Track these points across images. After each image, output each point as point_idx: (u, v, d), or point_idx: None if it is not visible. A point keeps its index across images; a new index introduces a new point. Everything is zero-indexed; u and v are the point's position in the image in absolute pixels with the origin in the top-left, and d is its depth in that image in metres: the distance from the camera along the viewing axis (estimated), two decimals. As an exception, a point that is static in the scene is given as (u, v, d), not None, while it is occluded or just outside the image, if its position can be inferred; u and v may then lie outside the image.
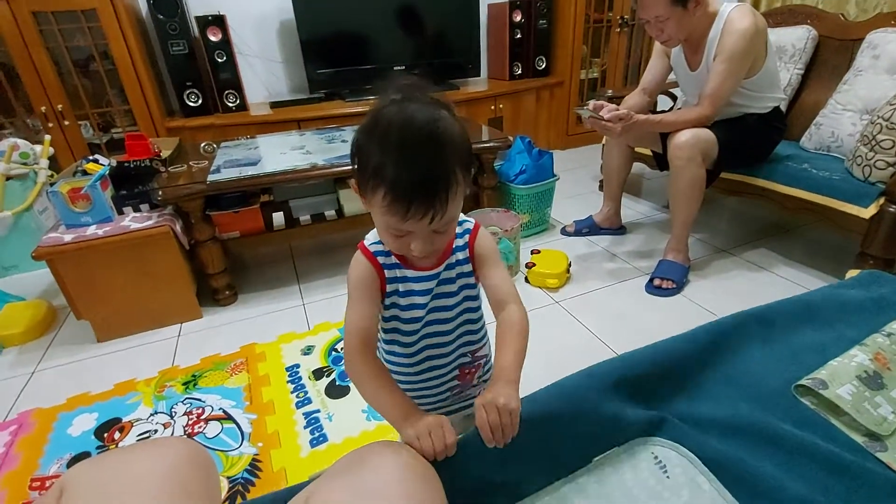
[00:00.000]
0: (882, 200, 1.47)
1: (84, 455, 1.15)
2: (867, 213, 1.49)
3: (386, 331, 0.74)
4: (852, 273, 1.11)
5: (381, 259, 0.68)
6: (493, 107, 2.94)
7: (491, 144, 1.90)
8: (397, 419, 0.62)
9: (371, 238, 0.69)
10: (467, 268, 0.71)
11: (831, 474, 0.60)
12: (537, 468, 0.61)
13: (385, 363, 0.77)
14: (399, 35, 2.80)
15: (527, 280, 1.78)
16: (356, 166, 0.58)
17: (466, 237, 0.71)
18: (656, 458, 0.58)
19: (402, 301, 0.69)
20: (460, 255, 0.71)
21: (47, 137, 1.98)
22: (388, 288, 0.69)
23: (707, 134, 1.60)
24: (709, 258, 1.90)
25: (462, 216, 0.70)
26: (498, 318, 0.72)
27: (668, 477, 0.56)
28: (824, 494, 0.57)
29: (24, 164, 1.93)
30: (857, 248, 1.56)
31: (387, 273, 0.68)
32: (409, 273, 0.68)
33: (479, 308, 0.77)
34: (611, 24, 3.17)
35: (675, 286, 1.67)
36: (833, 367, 0.73)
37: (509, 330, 0.69)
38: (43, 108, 2.14)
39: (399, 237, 0.59)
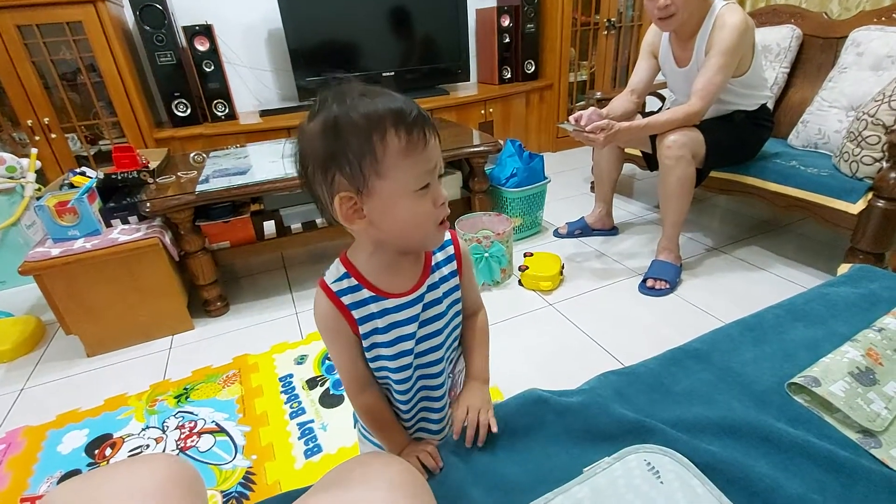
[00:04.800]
0: (870, 195, 1.48)
1: (74, 473, 1.13)
2: (856, 208, 1.50)
3: (375, 370, 0.66)
4: (843, 268, 1.11)
5: (346, 299, 0.60)
6: (483, 111, 2.94)
7: (481, 148, 1.90)
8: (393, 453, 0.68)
9: (332, 275, 0.61)
10: (454, 282, 0.67)
11: (827, 472, 0.59)
12: (528, 481, 0.60)
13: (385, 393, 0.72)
14: (388, 41, 2.80)
15: (520, 283, 1.78)
16: (338, 171, 0.52)
17: (449, 249, 0.67)
18: (649, 464, 0.58)
19: (385, 337, 0.62)
20: (446, 270, 0.66)
21: (34, 151, 1.96)
22: (363, 329, 0.61)
23: (696, 133, 1.60)
24: (701, 257, 1.90)
25: None
26: (470, 322, 0.75)
27: (661, 483, 0.55)
28: (820, 493, 0.57)
29: (11, 178, 1.91)
30: (848, 244, 1.57)
31: (357, 314, 0.61)
32: (389, 304, 0.61)
33: (461, 321, 0.73)
34: (598, 26, 3.19)
35: (668, 286, 1.67)
36: (825, 364, 0.73)
37: (482, 334, 0.75)
38: (29, 122, 2.13)
39: (425, 195, 0.54)
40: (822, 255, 1.84)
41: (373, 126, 0.50)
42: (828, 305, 0.91)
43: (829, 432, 0.65)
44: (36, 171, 1.97)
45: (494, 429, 0.66)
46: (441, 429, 0.75)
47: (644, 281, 1.71)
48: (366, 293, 0.61)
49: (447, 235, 0.66)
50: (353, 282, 0.61)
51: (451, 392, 0.74)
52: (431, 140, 0.53)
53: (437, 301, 0.65)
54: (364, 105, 0.51)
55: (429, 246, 0.63)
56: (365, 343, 0.63)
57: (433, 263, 0.65)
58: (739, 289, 1.68)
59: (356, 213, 0.54)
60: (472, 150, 1.88)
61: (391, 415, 0.70)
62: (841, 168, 1.60)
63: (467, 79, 3.07)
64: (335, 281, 0.61)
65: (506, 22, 2.96)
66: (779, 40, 2.06)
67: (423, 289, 0.63)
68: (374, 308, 0.61)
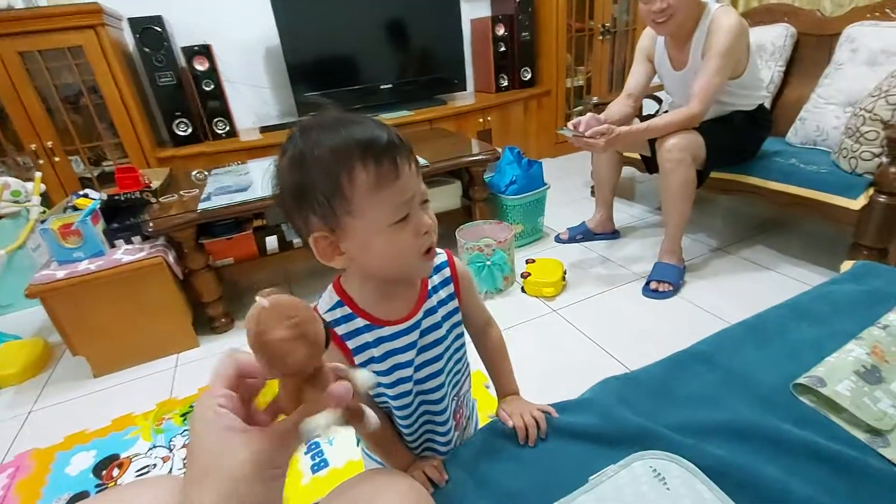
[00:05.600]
0: (871, 191, 1.48)
1: (83, 495, 1.13)
2: (857, 204, 1.49)
3: (374, 396, 0.65)
4: (846, 265, 1.10)
5: (340, 329, 0.58)
6: (481, 119, 2.96)
7: (480, 157, 1.91)
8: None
9: (325, 304, 0.60)
10: (453, 304, 0.66)
11: (835, 473, 0.59)
12: (533, 492, 0.60)
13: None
14: (384, 54, 2.83)
15: (523, 290, 1.78)
16: (310, 210, 0.50)
17: (445, 271, 0.65)
18: (654, 470, 0.57)
19: (382, 366, 0.61)
20: (443, 294, 0.65)
21: (38, 174, 1.99)
22: (359, 359, 0.60)
23: (695, 135, 1.61)
24: (705, 258, 1.90)
25: None
26: (483, 340, 0.75)
27: (668, 489, 0.55)
28: (829, 495, 0.56)
29: (16, 202, 1.93)
30: (850, 240, 1.56)
31: (351, 343, 0.59)
32: (385, 332, 0.59)
33: (464, 343, 0.71)
34: (593, 32, 3.21)
35: (671, 288, 1.67)
36: (830, 364, 0.73)
37: (500, 351, 0.75)
38: (33, 146, 2.15)
39: (404, 226, 0.51)
40: (825, 252, 1.83)
41: (339, 161, 0.48)
42: (831, 303, 0.90)
43: (837, 432, 0.65)
44: (40, 195, 1.99)
45: (543, 424, 0.69)
46: (448, 451, 0.73)
47: (647, 284, 1.70)
48: (360, 322, 0.59)
49: (439, 259, 0.64)
50: (347, 311, 0.59)
51: (456, 414, 0.73)
52: (405, 168, 0.50)
53: (437, 326, 0.63)
54: (330, 138, 0.48)
55: (414, 277, 0.61)
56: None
57: (430, 288, 0.63)
58: (744, 289, 1.67)
59: (334, 250, 0.53)
60: (470, 158, 1.89)
61: (393, 436, 0.69)
62: (840, 164, 1.60)
63: (464, 88, 3.09)
64: (328, 311, 0.59)
65: (500, 31, 2.99)
66: (773, 39, 2.07)
67: (420, 315, 0.61)
68: (368, 337, 0.59)
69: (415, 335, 0.61)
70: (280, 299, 0.33)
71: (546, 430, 0.69)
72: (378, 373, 0.61)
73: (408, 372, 0.62)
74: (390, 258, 0.53)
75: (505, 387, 0.76)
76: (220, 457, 0.32)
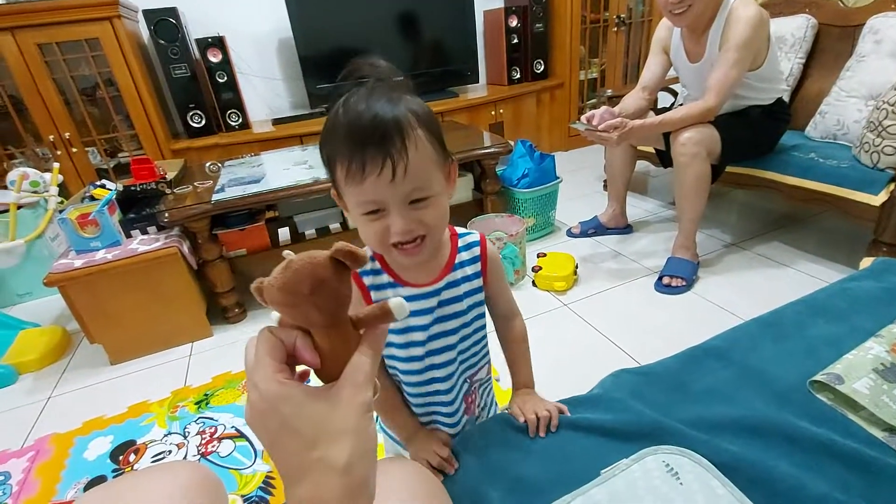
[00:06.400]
0: (892, 186, 1.45)
1: (100, 479, 1.16)
2: (877, 200, 1.46)
3: (384, 356, 0.68)
4: (866, 262, 1.08)
5: (367, 280, 0.63)
6: (493, 112, 2.94)
7: (492, 150, 1.90)
8: (403, 441, 0.71)
9: None
10: (478, 283, 0.67)
11: (851, 471, 0.58)
12: (545, 483, 0.60)
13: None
14: (396, 46, 2.82)
15: (534, 284, 1.77)
16: (328, 168, 0.56)
17: (475, 249, 0.67)
18: (667, 465, 0.57)
19: (395, 325, 0.63)
20: (469, 270, 0.66)
21: (56, 165, 2.01)
22: None
23: (710, 129, 1.58)
24: (719, 254, 1.87)
25: (465, 230, 0.69)
26: (505, 331, 0.76)
27: (681, 484, 0.55)
28: (844, 492, 0.56)
29: (35, 192, 1.96)
30: (870, 236, 1.53)
31: (374, 294, 0.63)
32: (405, 291, 0.62)
33: (485, 326, 0.73)
34: (608, 23, 3.17)
35: (684, 283, 1.65)
36: (848, 361, 0.72)
37: (521, 343, 0.76)
38: (51, 137, 2.19)
39: (375, 220, 0.53)
40: (843, 248, 1.80)
41: (332, 142, 0.52)
42: (850, 300, 0.89)
43: (854, 430, 0.64)
44: (58, 185, 2.03)
45: (555, 420, 0.69)
46: (455, 433, 0.74)
47: (660, 279, 1.69)
48: (385, 278, 0.63)
49: (471, 238, 0.67)
50: (377, 266, 0.63)
51: (468, 398, 0.74)
52: (373, 175, 0.49)
53: (456, 299, 0.65)
54: (345, 114, 0.51)
55: (395, 261, 0.62)
56: None
57: (456, 262, 0.66)
58: (759, 285, 1.65)
59: (345, 208, 0.58)
60: (482, 151, 1.88)
61: (399, 402, 0.71)
62: (861, 159, 1.56)
63: (476, 80, 3.08)
64: (367, 272, 0.63)
65: (513, 22, 2.96)
66: (793, 31, 2.02)
67: (442, 284, 0.64)
68: (390, 293, 0.63)
69: (433, 302, 0.63)
70: (303, 258, 0.34)
71: (557, 424, 0.69)
72: (391, 331, 0.63)
73: (420, 336, 0.64)
74: (365, 240, 0.57)
75: (521, 379, 0.76)
76: (323, 419, 0.33)
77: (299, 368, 0.37)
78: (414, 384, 0.68)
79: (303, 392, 0.33)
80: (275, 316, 0.37)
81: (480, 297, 0.68)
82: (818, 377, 0.70)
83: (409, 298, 0.62)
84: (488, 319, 0.74)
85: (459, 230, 0.69)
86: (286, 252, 0.35)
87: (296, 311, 0.34)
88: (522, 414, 0.69)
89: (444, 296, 0.64)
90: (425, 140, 0.52)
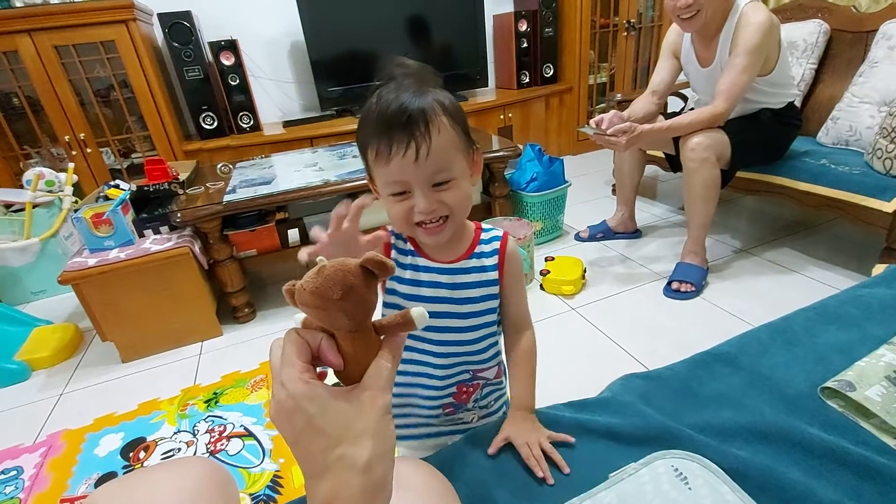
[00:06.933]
0: (906, 193, 1.43)
1: (111, 475, 1.18)
2: (890, 206, 1.45)
3: (384, 304, 0.69)
4: (878, 269, 1.08)
5: (395, 241, 0.68)
6: (502, 116, 2.95)
7: (501, 154, 1.90)
8: None
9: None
10: (493, 275, 0.68)
11: (862, 479, 0.58)
12: (553, 485, 0.60)
13: None
14: (407, 49, 2.83)
15: (542, 287, 1.77)
16: (362, 154, 0.61)
17: (496, 244, 0.69)
18: (676, 470, 0.57)
19: (404, 288, 0.67)
20: (487, 262, 0.68)
21: (71, 165, 2.05)
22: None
23: (720, 134, 1.58)
24: (728, 259, 1.86)
25: (489, 225, 0.71)
26: (513, 342, 0.74)
27: (689, 489, 0.55)
28: (855, 500, 0.55)
29: (50, 191, 2.00)
30: (883, 243, 1.51)
31: (395, 255, 0.67)
32: (421, 261, 0.67)
33: (498, 323, 0.72)
34: (617, 28, 3.17)
35: (693, 289, 1.64)
36: (860, 368, 0.71)
37: (528, 357, 0.74)
38: (66, 137, 2.22)
39: (401, 200, 0.58)
40: (855, 255, 1.78)
41: (365, 129, 0.58)
42: (862, 307, 0.88)
43: (866, 438, 0.63)
44: (73, 185, 2.06)
45: (560, 462, 0.64)
46: (433, 414, 0.74)
47: (669, 284, 1.68)
48: (408, 246, 0.68)
49: (495, 233, 0.70)
50: (405, 238, 0.68)
51: (463, 385, 0.73)
52: (399, 156, 0.55)
53: (467, 285, 0.67)
54: (377, 104, 0.56)
55: (419, 240, 0.66)
56: (388, 285, 0.68)
57: (476, 250, 0.68)
58: (768, 291, 1.64)
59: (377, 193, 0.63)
60: (491, 155, 1.89)
61: None
62: (874, 165, 1.55)
63: (486, 84, 3.08)
64: (395, 235, 0.68)
65: (523, 27, 2.97)
66: (805, 36, 2.01)
67: (458, 265, 0.67)
68: (409, 259, 0.67)
69: (443, 277, 0.66)
70: (335, 265, 0.36)
71: (563, 466, 0.63)
72: (399, 293, 0.67)
73: (426, 295, 0.67)
74: (392, 219, 0.62)
75: (519, 398, 0.71)
76: (346, 419, 0.34)
77: (318, 370, 0.38)
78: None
79: (328, 392, 0.34)
80: (298, 317, 0.38)
81: (494, 290, 0.68)
82: (829, 384, 0.70)
83: (423, 268, 0.67)
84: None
85: (485, 225, 0.71)
86: (320, 258, 0.37)
87: (324, 315, 0.36)
88: (520, 447, 0.65)
89: (457, 279, 0.67)
90: (449, 126, 0.57)
